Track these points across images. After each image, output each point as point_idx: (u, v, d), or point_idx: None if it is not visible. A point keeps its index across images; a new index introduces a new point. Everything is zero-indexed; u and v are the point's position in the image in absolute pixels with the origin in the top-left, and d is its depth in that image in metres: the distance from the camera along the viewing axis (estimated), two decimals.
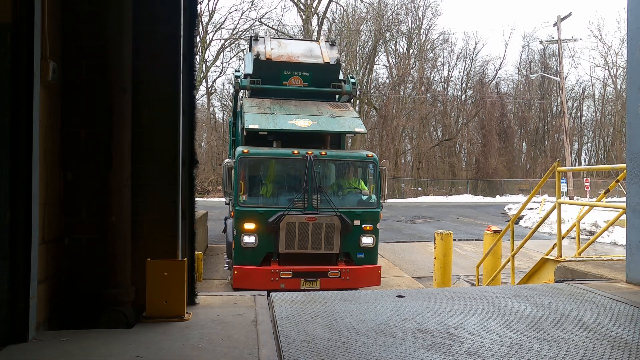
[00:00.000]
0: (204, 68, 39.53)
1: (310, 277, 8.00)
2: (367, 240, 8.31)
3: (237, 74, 9.95)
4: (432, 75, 49.14)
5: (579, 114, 53.55)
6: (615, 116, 50.70)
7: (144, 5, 3.76)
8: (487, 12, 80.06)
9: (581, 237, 8.35)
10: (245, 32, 40.52)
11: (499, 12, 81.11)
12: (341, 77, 10.17)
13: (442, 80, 50.23)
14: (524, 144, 53.55)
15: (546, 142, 52.11)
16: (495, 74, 51.54)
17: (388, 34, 45.80)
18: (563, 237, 6.34)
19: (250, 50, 9.86)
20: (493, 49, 77.03)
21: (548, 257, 6.26)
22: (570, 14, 31.39)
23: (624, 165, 5.15)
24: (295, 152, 8.30)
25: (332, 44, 10.23)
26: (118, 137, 3.61)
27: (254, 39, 10.04)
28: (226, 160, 8.71)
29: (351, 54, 43.10)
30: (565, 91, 36.90)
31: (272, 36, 12.58)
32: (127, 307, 3.61)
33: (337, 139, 9.93)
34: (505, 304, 4.12)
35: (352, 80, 9.94)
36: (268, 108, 9.27)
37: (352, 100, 11.61)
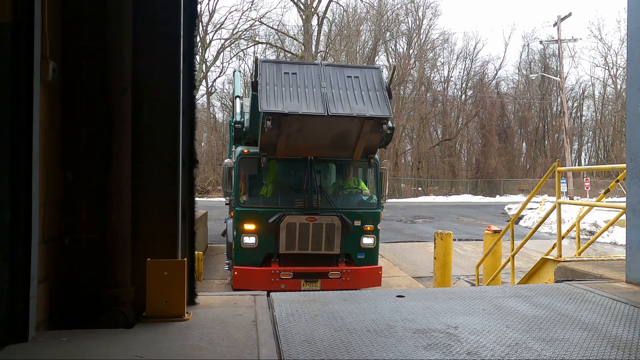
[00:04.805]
0: (204, 68, 39.56)
1: (311, 278, 7.98)
2: (367, 240, 8.28)
3: (237, 108, 7.99)
4: (432, 75, 49.22)
5: (579, 114, 53.65)
6: (615, 116, 50.71)
7: (144, 5, 3.76)
8: (487, 12, 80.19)
9: (581, 237, 8.34)
10: (245, 32, 40.59)
11: (499, 12, 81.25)
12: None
13: (442, 80, 50.31)
14: (524, 144, 53.57)
15: (546, 142, 52.11)
16: (495, 74, 51.69)
17: (388, 34, 45.87)
18: (563, 237, 6.33)
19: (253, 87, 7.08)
20: (493, 49, 77.20)
21: (548, 257, 6.26)
22: (570, 14, 31.44)
23: (624, 165, 5.15)
24: None
25: (385, 121, 6.88)
26: (118, 137, 3.61)
27: (268, 120, 6.65)
28: (226, 161, 8.68)
29: (351, 54, 43.12)
30: (565, 91, 36.91)
31: (297, 113, 6.69)
32: (127, 307, 3.61)
33: None
34: (505, 304, 4.12)
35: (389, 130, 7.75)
36: None
37: None
